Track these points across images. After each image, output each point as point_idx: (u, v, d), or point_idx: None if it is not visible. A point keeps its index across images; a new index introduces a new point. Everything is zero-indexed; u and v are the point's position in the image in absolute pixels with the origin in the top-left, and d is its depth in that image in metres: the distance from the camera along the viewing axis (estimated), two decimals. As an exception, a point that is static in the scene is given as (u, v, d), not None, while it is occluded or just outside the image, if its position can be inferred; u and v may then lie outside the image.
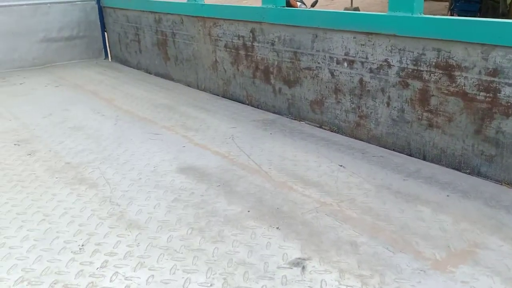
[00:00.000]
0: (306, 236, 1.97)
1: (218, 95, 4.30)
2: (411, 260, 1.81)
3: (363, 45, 2.86)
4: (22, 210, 2.27)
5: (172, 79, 4.96)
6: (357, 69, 2.94)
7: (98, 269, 1.80)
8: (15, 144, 3.13)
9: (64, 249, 1.94)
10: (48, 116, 3.73)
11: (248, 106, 3.95)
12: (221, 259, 1.85)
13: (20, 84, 4.84)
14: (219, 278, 1.73)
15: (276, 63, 3.56)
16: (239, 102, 4.06)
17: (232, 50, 3.99)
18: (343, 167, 2.62)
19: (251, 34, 3.73)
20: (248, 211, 2.20)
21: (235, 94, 4.10)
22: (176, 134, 3.29)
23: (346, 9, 15.51)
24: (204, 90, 4.49)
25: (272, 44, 3.54)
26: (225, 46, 4.05)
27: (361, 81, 2.93)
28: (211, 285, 1.70)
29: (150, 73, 5.35)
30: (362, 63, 2.89)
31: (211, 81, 4.37)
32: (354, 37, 2.89)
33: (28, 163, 2.83)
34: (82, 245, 1.96)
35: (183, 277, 1.74)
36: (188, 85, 4.70)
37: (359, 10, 15.67)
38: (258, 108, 3.86)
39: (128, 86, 4.73)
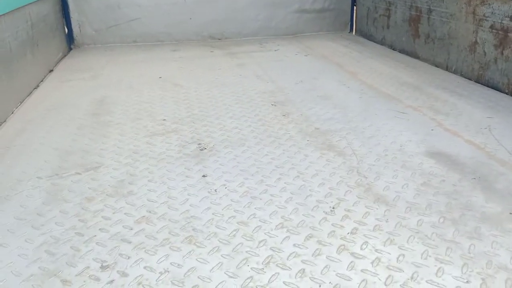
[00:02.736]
0: None
1: (470, 79, 3.93)
2: None
3: None
4: (279, 164, 2.52)
5: (417, 58, 4.74)
6: None
7: (349, 234, 1.88)
8: (272, 105, 3.49)
9: (316, 208, 2.09)
10: (300, 82, 4.03)
11: (508, 95, 3.49)
12: (478, 257, 1.71)
13: (275, 50, 5.35)
14: (476, 277, 1.61)
15: (559, 49, 3.02)
16: (497, 89, 3.62)
17: (500, 32, 3.54)
18: None
19: (530, 14, 3.23)
20: (510, 213, 1.97)
21: (493, 80, 3.67)
22: (423, 116, 3.15)
23: None
24: (454, 72, 4.15)
25: (559, 27, 3.00)
26: (491, 27, 3.62)
27: None
28: (467, 281, 1.59)
29: (394, 49, 5.22)
30: None
31: (465, 64, 4.00)
32: None
33: (283, 123, 3.12)
34: (333, 208, 2.08)
35: (435, 265, 1.68)
36: (436, 65, 4.42)
37: None
38: (521, 99, 3.38)
39: (371, 61, 4.72)
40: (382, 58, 4.82)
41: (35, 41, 4.23)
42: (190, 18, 5.86)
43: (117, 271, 1.69)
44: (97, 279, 1.65)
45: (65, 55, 5.34)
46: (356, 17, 6.19)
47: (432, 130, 2.91)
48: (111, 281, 1.64)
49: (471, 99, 3.43)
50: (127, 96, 3.78)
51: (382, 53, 5.06)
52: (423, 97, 3.52)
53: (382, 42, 5.50)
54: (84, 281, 1.64)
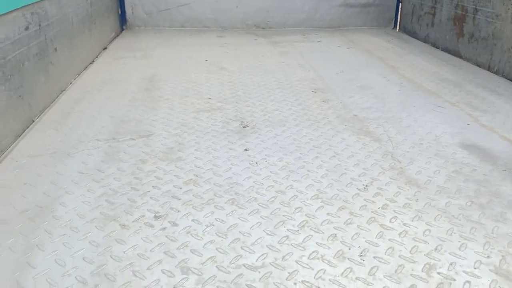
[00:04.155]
0: None
1: (512, 81, 3.95)
2: None
3: None
4: (317, 145, 2.68)
5: (460, 57, 4.76)
6: None
7: (380, 208, 2.02)
8: (312, 91, 3.64)
9: (350, 184, 2.23)
10: (340, 73, 4.15)
11: (550, 98, 3.51)
12: (500, 237, 1.82)
13: (317, 42, 5.47)
14: (497, 254, 1.72)
15: None
16: (538, 92, 3.63)
17: (546, 33, 3.55)
18: None
19: None
20: (538, 203, 2.06)
21: (536, 82, 3.68)
22: (460, 111, 3.23)
23: None
24: (496, 72, 4.17)
25: None
26: (538, 27, 3.63)
27: None
28: (488, 257, 1.71)
29: (437, 47, 5.24)
30: None
31: (507, 65, 4.01)
32: None
33: (322, 109, 3.26)
34: (366, 186, 2.22)
35: (459, 241, 1.80)
36: (478, 65, 4.43)
37: None
38: (562, 102, 3.39)
39: (413, 57, 4.78)
40: (424, 55, 4.86)
41: (93, 19, 4.52)
42: (237, 6, 6.04)
43: (169, 221, 1.90)
44: (151, 226, 1.86)
45: (117, 35, 5.64)
46: (400, 13, 6.22)
47: (468, 124, 2.99)
48: (163, 228, 1.85)
49: (510, 99, 3.47)
50: (175, 75, 4.01)
51: (425, 50, 5.10)
52: (462, 94, 3.58)
53: (425, 40, 5.53)
54: (140, 227, 1.86)
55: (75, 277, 1.58)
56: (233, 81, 3.87)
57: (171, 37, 5.59)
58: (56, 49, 3.40)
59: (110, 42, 5.24)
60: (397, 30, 6.29)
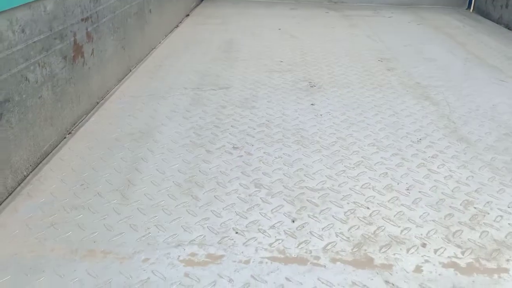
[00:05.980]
0: None
1: None
2: None
3: None
4: (378, 104, 2.94)
5: (534, 38, 4.72)
6: None
7: (429, 157, 2.28)
8: (378, 60, 3.85)
9: (405, 137, 2.49)
10: (408, 45, 4.31)
11: None
12: (539, 188, 2.03)
13: (388, 17, 5.59)
14: (532, 199, 1.94)
15: None
16: None
17: None
18: None
19: None
20: None
21: None
22: (523, 86, 3.33)
23: None
24: None
25: None
26: None
27: None
28: (523, 200, 1.93)
29: (509, 29, 5.18)
30: None
31: None
32: None
33: (386, 75, 3.49)
34: (420, 139, 2.47)
35: (498, 187, 2.03)
36: (552, 46, 4.40)
37: None
38: None
39: (483, 36, 4.80)
40: (495, 35, 4.86)
41: (179, -13, 4.97)
42: (311, -19, 6.26)
43: (244, 151, 2.28)
44: (230, 153, 2.25)
45: (197, 5, 6.08)
46: (476, -7, 6.14)
47: (528, 97, 3.11)
48: (240, 156, 2.23)
49: None
50: (250, 40, 4.37)
51: (496, 31, 5.08)
52: (529, 71, 3.65)
53: (498, 21, 5.46)
54: (221, 153, 2.25)
55: (173, 181, 2.00)
56: (303, 48, 4.16)
57: (247, 8, 5.94)
58: (150, 10, 3.86)
59: (192, 10, 5.69)
60: (471, 10, 6.22)
